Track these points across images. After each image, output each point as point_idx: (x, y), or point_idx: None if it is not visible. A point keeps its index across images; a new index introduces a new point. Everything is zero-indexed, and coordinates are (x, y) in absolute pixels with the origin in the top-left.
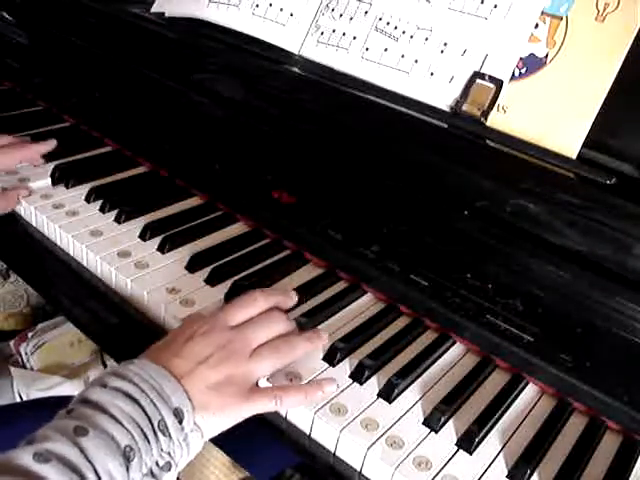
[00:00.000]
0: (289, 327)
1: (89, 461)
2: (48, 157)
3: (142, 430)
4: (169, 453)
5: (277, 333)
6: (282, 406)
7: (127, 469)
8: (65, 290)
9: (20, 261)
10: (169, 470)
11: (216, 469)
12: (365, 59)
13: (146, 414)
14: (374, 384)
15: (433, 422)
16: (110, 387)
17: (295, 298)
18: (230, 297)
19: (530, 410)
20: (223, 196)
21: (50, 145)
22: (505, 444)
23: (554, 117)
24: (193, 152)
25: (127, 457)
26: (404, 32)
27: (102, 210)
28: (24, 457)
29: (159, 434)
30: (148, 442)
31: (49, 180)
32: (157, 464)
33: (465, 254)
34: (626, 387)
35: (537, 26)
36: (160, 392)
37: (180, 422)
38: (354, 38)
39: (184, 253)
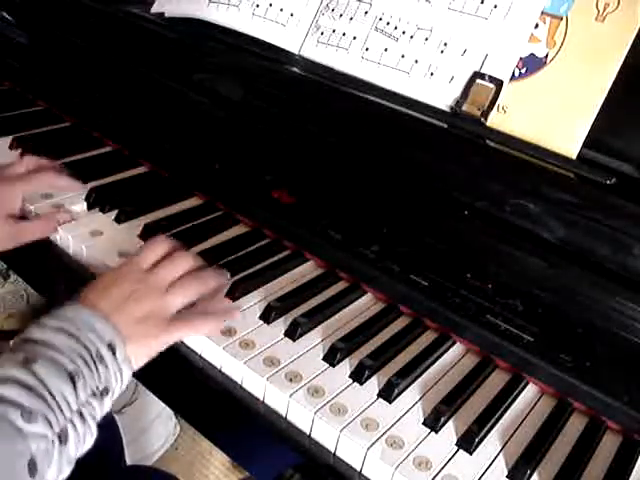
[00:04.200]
0: (197, 263)
1: (43, 383)
2: (47, 157)
3: (83, 358)
4: (107, 379)
5: (187, 269)
6: (198, 332)
7: (75, 389)
8: (65, 290)
9: (20, 261)
10: (107, 395)
11: (216, 469)
12: (365, 59)
13: (85, 346)
14: (374, 384)
15: (433, 422)
16: (49, 326)
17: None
18: (232, 296)
19: (530, 410)
20: (223, 196)
21: (76, 188)
22: (505, 444)
23: (554, 117)
24: (193, 152)
25: (73, 379)
26: (404, 32)
27: (102, 210)
28: None
29: (97, 363)
30: (90, 369)
31: None
32: (97, 388)
33: (465, 254)
34: (626, 387)
35: (537, 26)
36: (93, 329)
37: (114, 353)
38: (354, 38)
39: None
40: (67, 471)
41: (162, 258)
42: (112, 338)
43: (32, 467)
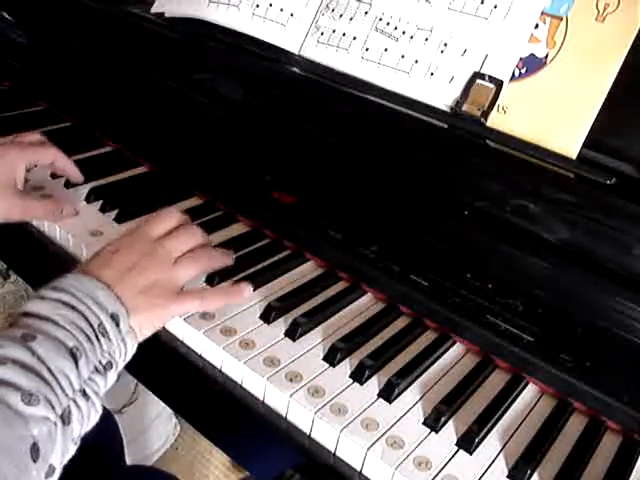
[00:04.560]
0: (205, 239)
1: (42, 362)
2: None
3: (85, 333)
4: (109, 353)
5: (195, 244)
6: (206, 306)
7: (76, 366)
8: None
9: (20, 261)
10: (111, 368)
11: (216, 469)
12: (365, 59)
13: (86, 319)
14: (374, 384)
15: (433, 422)
16: (49, 298)
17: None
18: None
19: (530, 410)
20: (223, 196)
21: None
22: (505, 444)
23: (554, 117)
24: (193, 152)
25: (74, 356)
26: (404, 32)
27: (102, 210)
28: None
29: (100, 336)
30: (91, 343)
31: (49, 181)
32: (100, 363)
33: (465, 254)
34: (626, 387)
35: (537, 26)
36: (96, 300)
37: (117, 325)
38: (354, 38)
39: None
40: (73, 450)
41: (171, 230)
42: (115, 309)
43: (35, 452)
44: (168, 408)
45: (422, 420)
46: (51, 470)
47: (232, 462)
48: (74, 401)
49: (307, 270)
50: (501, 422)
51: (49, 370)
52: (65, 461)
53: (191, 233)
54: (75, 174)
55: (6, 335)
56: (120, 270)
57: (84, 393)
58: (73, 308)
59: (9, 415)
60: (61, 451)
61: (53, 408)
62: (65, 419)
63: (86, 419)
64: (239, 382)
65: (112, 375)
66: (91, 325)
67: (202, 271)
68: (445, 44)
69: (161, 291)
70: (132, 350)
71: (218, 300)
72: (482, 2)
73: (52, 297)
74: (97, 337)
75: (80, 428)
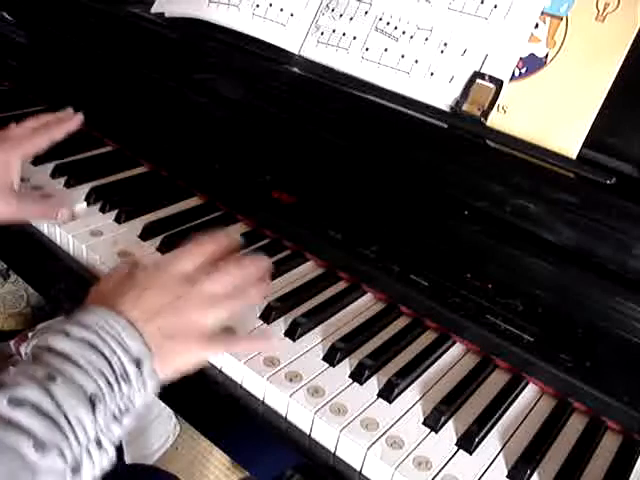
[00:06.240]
0: (245, 269)
1: (60, 407)
2: (47, 157)
3: (107, 378)
4: (129, 398)
5: (229, 283)
6: (231, 350)
7: (94, 414)
8: (65, 290)
9: (20, 261)
10: (128, 413)
11: (216, 469)
12: (365, 59)
13: (109, 364)
14: (374, 384)
15: (433, 422)
16: (74, 337)
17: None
18: None
19: (530, 410)
20: (223, 196)
21: (77, 121)
22: (505, 444)
23: (554, 117)
24: (193, 152)
25: (93, 403)
26: (404, 32)
27: (102, 210)
28: None
29: (121, 382)
30: (112, 389)
31: (49, 180)
32: (119, 409)
33: (465, 254)
34: (626, 387)
35: (537, 26)
36: (121, 342)
37: (139, 369)
38: (354, 38)
39: None
40: None
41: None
42: (140, 352)
43: None
44: (168, 408)
45: (422, 420)
46: None
47: (232, 462)
48: (87, 450)
49: (307, 270)
50: (501, 422)
51: (66, 418)
52: None
53: (224, 272)
54: (73, 123)
55: (27, 373)
56: (149, 311)
57: (98, 441)
58: (97, 350)
59: (17, 466)
60: None
61: (64, 458)
62: (76, 469)
63: (98, 467)
64: (239, 382)
65: (128, 420)
66: (114, 371)
67: (234, 312)
68: (445, 44)
69: (189, 335)
70: (153, 391)
71: (244, 348)
72: (482, 2)
73: (77, 336)
74: (118, 383)
75: (91, 476)
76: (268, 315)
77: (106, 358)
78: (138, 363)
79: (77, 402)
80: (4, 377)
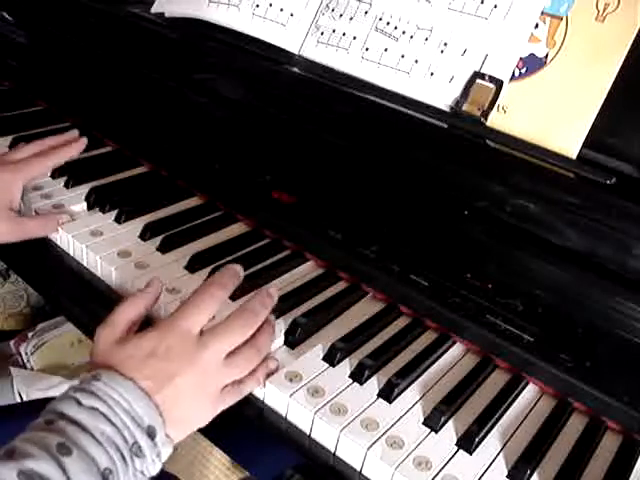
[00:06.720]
0: (252, 328)
1: None
2: None
3: (121, 453)
4: (142, 472)
5: (241, 340)
6: (243, 394)
7: None
8: (65, 290)
9: (20, 261)
10: None
11: (216, 469)
12: (365, 59)
13: (123, 437)
14: (374, 384)
15: (433, 422)
16: (85, 406)
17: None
18: (231, 296)
19: (530, 410)
20: (223, 196)
21: (81, 145)
22: (505, 444)
23: (554, 117)
24: (193, 152)
25: (106, 479)
26: (404, 32)
27: (102, 210)
28: (8, 475)
29: (134, 456)
30: (125, 463)
31: (49, 181)
32: None
33: (465, 254)
34: (626, 387)
35: (537, 26)
36: (133, 414)
37: (152, 439)
38: (354, 38)
39: (184, 253)
40: None
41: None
42: (152, 421)
43: None
44: None
45: (422, 420)
46: None
47: (232, 462)
48: None
49: (307, 270)
50: (501, 422)
51: None
52: None
53: (230, 332)
54: (74, 149)
55: (40, 441)
56: (160, 379)
57: None
58: (112, 423)
59: None
60: None
61: None
62: None
63: None
64: None
65: None
66: (127, 443)
67: (252, 367)
68: (445, 44)
69: (204, 398)
70: (167, 456)
71: (254, 387)
72: (482, 2)
73: (89, 405)
74: (131, 457)
75: None
76: None
77: (120, 432)
78: (151, 433)
79: (89, 478)
80: (16, 442)
